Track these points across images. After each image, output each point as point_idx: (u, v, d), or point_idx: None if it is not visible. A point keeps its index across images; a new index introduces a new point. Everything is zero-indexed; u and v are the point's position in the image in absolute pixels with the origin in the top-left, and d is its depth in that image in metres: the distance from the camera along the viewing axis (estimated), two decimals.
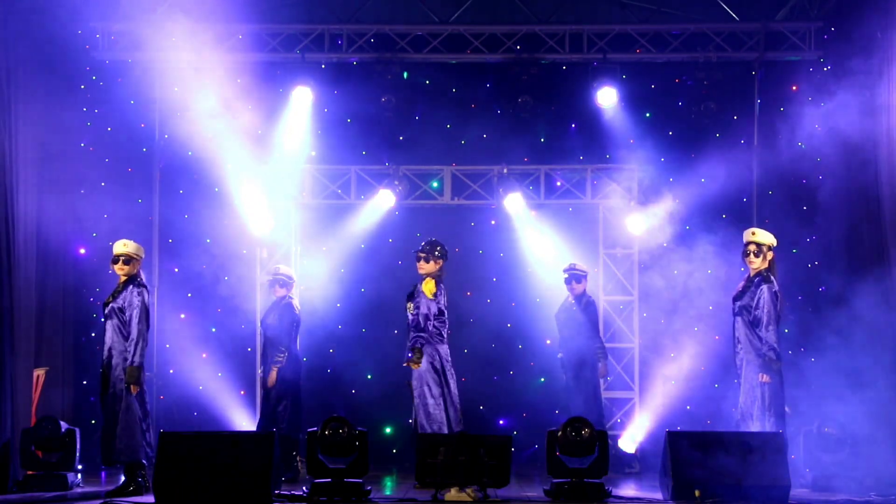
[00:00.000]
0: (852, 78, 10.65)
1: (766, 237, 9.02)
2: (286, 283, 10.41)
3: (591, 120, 12.33)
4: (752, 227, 9.37)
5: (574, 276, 11.01)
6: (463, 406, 12.16)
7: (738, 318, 8.97)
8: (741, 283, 9.09)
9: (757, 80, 12.23)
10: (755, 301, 8.88)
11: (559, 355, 11.16)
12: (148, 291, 8.94)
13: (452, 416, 9.32)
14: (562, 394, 11.37)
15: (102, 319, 8.92)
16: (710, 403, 11.27)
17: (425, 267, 9.50)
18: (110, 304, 8.83)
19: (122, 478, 8.82)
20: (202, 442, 8.12)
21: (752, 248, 8.98)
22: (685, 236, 11.97)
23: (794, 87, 11.90)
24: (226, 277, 12.08)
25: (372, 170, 12.50)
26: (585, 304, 11.06)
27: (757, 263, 8.97)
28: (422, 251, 9.53)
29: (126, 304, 8.76)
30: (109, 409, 8.69)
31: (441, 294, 9.40)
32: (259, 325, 10.79)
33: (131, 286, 8.83)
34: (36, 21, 10.23)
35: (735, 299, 9.04)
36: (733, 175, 11.92)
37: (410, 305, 9.42)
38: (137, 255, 8.95)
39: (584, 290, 11.06)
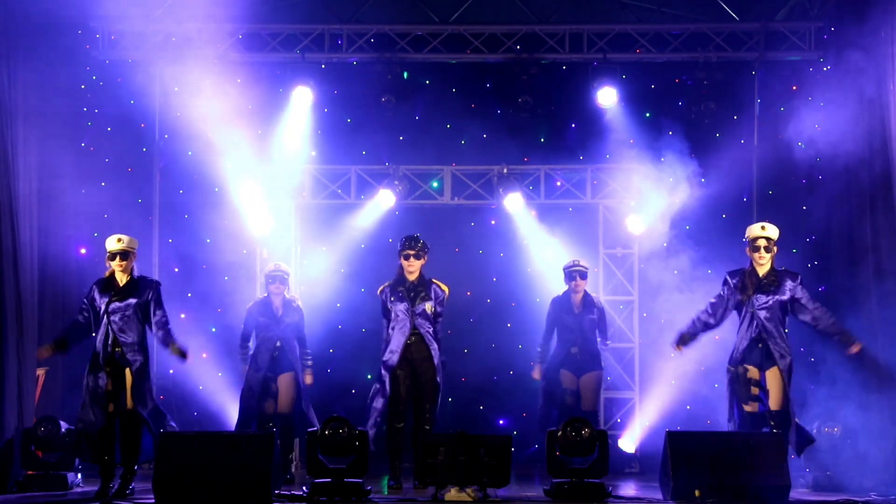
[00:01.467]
0: (852, 78, 10.65)
1: (775, 232, 9.01)
2: (286, 279, 10.41)
3: (591, 120, 12.33)
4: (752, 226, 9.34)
5: (580, 273, 10.80)
6: (463, 406, 12.25)
7: (763, 312, 8.88)
8: (750, 279, 8.97)
9: (757, 80, 12.24)
10: (801, 299, 8.86)
11: (573, 349, 10.81)
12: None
13: None
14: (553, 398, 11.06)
15: (110, 318, 8.69)
16: (710, 403, 11.26)
17: (416, 264, 9.54)
18: (127, 301, 8.69)
19: (118, 479, 8.79)
20: (202, 442, 8.12)
21: (763, 242, 8.95)
22: (685, 236, 11.98)
23: (794, 87, 11.90)
24: (226, 277, 12.09)
25: (372, 170, 12.50)
26: (600, 308, 10.93)
27: (767, 258, 8.94)
28: (412, 248, 9.54)
29: (152, 300, 8.75)
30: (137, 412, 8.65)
31: None
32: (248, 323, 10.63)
33: (149, 283, 8.82)
34: (36, 21, 10.23)
35: (754, 293, 8.92)
36: (733, 175, 11.92)
37: (430, 305, 9.47)
38: (132, 248, 8.83)
39: (585, 288, 10.97)
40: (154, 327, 8.77)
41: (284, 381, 10.15)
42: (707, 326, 9.08)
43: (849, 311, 10.81)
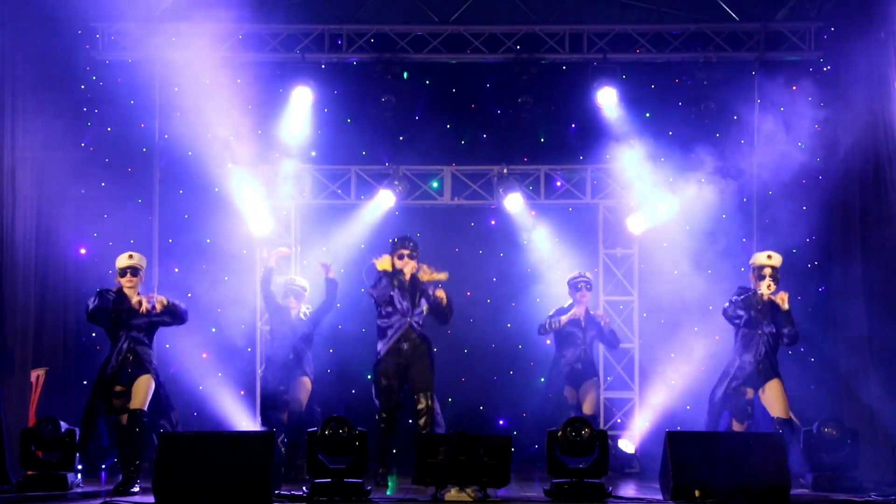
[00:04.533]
0: (852, 78, 10.66)
1: (779, 260, 9.14)
2: (301, 295, 10.51)
3: (591, 120, 12.32)
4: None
5: (586, 284, 10.90)
6: (463, 406, 12.25)
7: (769, 338, 9.03)
8: (756, 306, 9.06)
9: (757, 80, 12.23)
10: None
11: (577, 365, 10.85)
12: None
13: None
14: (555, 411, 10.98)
15: (130, 332, 8.83)
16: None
17: (411, 264, 9.60)
18: (144, 318, 8.81)
19: (121, 477, 8.82)
20: (202, 442, 8.12)
21: (769, 271, 9.04)
22: (685, 236, 11.97)
23: (794, 87, 11.89)
24: (226, 277, 12.08)
25: (372, 170, 12.51)
26: (604, 324, 11.01)
27: (773, 287, 9.04)
28: (406, 248, 9.64)
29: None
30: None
31: None
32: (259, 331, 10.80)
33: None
34: (36, 21, 10.23)
35: (762, 319, 9.02)
36: (733, 175, 11.91)
37: (427, 307, 9.57)
38: (142, 264, 9.01)
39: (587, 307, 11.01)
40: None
41: (296, 384, 10.26)
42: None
43: (848, 311, 10.82)
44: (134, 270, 8.87)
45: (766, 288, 9.01)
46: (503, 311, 12.57)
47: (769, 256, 9.13)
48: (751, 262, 9.25)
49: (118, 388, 8.83)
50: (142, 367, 8.82)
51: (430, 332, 9.96)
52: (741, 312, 9.12)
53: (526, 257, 12.48)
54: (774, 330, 9.08)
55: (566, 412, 10.62)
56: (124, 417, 8.80)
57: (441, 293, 9.63)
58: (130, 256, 8.91)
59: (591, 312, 11.03)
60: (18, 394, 9.90)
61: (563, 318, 10.84)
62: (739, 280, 9.55)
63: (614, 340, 11.21)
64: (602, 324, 10.96)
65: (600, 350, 11.81)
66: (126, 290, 8.91)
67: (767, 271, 9.03)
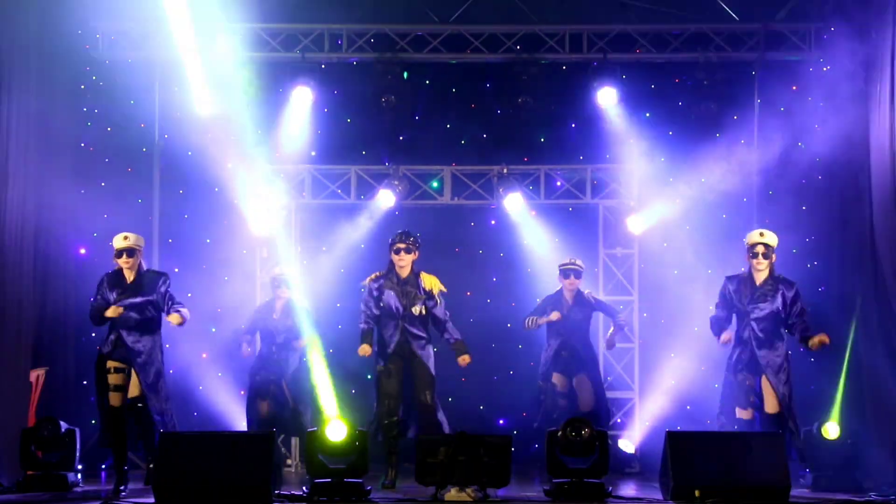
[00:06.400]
0: (852, 78, 10.65)
1: (774, 239, 9.03)
2: (289, 284, 10.49)
3: (591, 120, 12.33)
4: (753, 227, 9.37)
5: (574, 272, 10.92)
6: (463, 406, 12.24)
7: (757, 322, 8.92)
8: (747, 287, 9.01)
9: (757, 80, 12.23)
10: (793, 307, 8.93)
11: (563, 353, 10.90)
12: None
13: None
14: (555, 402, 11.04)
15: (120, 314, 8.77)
16: (710, 403, 11.23)
17: (407, 259, 9.57)
18: (133, 299, 8.75)
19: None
20: (202, 442, 8.13)
21: (762, 249, 8.97)
22: (685, 236, 11.97)
23: (794, 87, 11.89)
24: (226, 277, 12.09)
25: (372, 170, 12.51)
26: (594, 302, 11.02)
27: (765, 265, 8.97)
28: (402, 242, 9.57)
29: (167, 292, 8.84)
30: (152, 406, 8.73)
31: None
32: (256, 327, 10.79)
33: (157, 276, 8.91)
34: (35, 21, 10.23)
35: (750, 302, 8.97)
36: (733, 175, 11.92)
37: (418, 308, 9.47)
38: (138, 245, 8.93)
39: (580, 288, 11.03)
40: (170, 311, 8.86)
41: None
42: (723, 320, 9.14)
43: (848, 310, 10.81)
44: (130, 251, 8.83)
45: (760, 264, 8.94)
46: (503, 311, 12.56)
47: (761, 234, 9.07)
48: (745, 240, 9.21)
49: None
50: (132, 356, 8.77)
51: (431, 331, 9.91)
52: (722, 313, 9.08)
53: (526, 257, 12.48)
54: (767, 315, 8.94)
55: (555, 399, 10.66)
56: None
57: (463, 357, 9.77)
58: (126, 238, 8.85)
59: (586, 292, 11.04)
60: (17, 394, 9.89)
61: (541, 321, 10.86)
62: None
63: (610, 310, 11.24)
64: (593, 301, 11.04)
65: (601, 350, 11.80)
66: (125, 272, 8.85)
67: (760, 249, 8.98)
